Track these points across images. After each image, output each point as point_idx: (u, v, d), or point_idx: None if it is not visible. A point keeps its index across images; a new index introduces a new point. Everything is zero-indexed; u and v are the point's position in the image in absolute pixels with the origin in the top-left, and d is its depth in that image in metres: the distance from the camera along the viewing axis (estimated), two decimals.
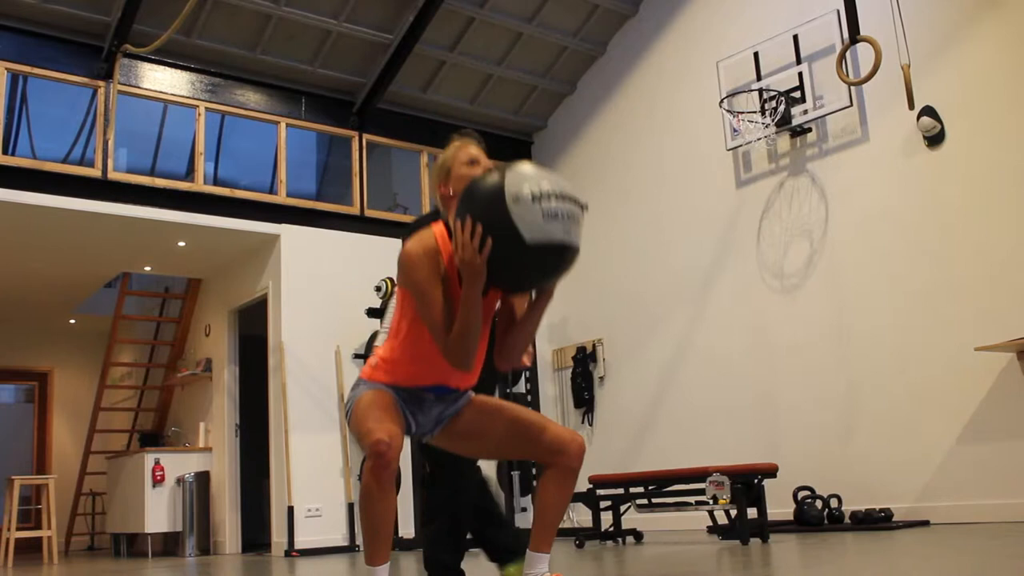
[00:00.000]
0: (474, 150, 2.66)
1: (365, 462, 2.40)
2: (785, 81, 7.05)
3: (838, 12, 6.59)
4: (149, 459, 8.38)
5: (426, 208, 8.72)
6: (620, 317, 8.34)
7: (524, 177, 2.34)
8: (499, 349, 2.62)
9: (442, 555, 3.46)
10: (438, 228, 2.56)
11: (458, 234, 2.37)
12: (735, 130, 7.20)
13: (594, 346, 8.58)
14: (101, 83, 7.10)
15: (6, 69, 6.76)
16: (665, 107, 8.18)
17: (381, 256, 7.99)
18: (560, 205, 2.32)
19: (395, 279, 2.61)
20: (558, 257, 2.36)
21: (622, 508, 6.27)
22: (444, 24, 8.02)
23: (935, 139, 6.29)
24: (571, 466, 2.58)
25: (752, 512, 5.56)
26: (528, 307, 2.60)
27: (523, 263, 2.36)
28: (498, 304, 2.65)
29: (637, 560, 4.73)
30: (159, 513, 8.29)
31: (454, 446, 2.74)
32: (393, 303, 2.64)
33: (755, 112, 7.05)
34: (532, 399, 8.23)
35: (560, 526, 2.67)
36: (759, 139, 7.05)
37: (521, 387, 8.36)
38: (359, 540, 7.47)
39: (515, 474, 8.12)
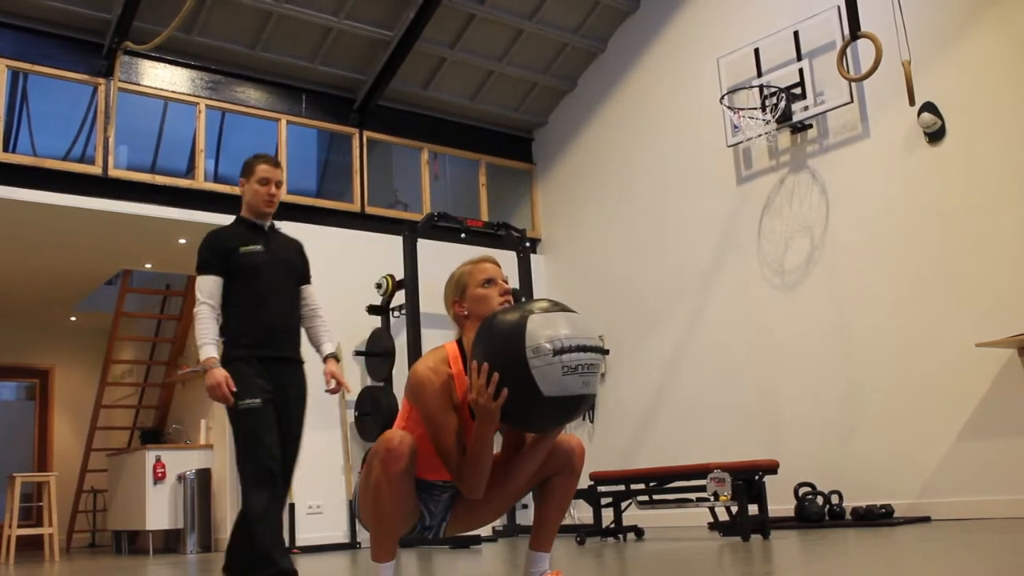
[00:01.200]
0: (491, 270, 2.62)
1: (376, 456, 2.40)
2: (786, 77, 7.04)
3: (839, 8, 6.58)
4: (150, 456, 8.38)
5: (427, 206, 8.71)
6: (621, 314, 8.34)
7: (545, 326, 2.29)
8: (495, 474, 2.57)
9: (281, 559, 3.57)
10: (451, 351, 2.55)
11: (474, 377, 2.34)
12: (736, 126, 7.20)
13: None
14: (101, 80, 7.10)
15: (6, 66, 6.76)
16: (665, 104, 8.17)
17: (382, 253, 7.98)
18: (580, 357, 2.29)
19: (404, 394, 2.60)
20: (574, 408, 2.35)
21: (623, 505, 6.27)
22: (445, 21, 8.02)
23: (936, 135, 6.28)
24: (575, 467, 2.59)
25: (753, 508, 5.56)
26: (533, 441, 2.57)
27: (537, 413, 2.35)
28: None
29: (638, 557, 4.73)
30: (160, 510, 8.29)
31: (470, 522, 2.69)
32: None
33: (756, 108, 7.05)
34: None
35: (561, 522, 2.68)
36: (760, 135, 7.04)
37: None
38: (360, 537, 7.48)
39: None
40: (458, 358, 2.52)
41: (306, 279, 4.11)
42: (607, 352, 2.29)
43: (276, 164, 4.00)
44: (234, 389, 3.64)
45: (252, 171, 3.95)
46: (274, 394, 3.77)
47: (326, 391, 3.99)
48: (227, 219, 7.50)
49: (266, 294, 3.83)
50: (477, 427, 2.39)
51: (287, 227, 7.77)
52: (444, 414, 2.44)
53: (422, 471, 2.56)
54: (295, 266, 4.04)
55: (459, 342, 2.56)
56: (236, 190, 7.63)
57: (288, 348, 3.90)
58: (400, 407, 2.66)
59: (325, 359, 4.03)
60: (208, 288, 3.76)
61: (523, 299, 2.41)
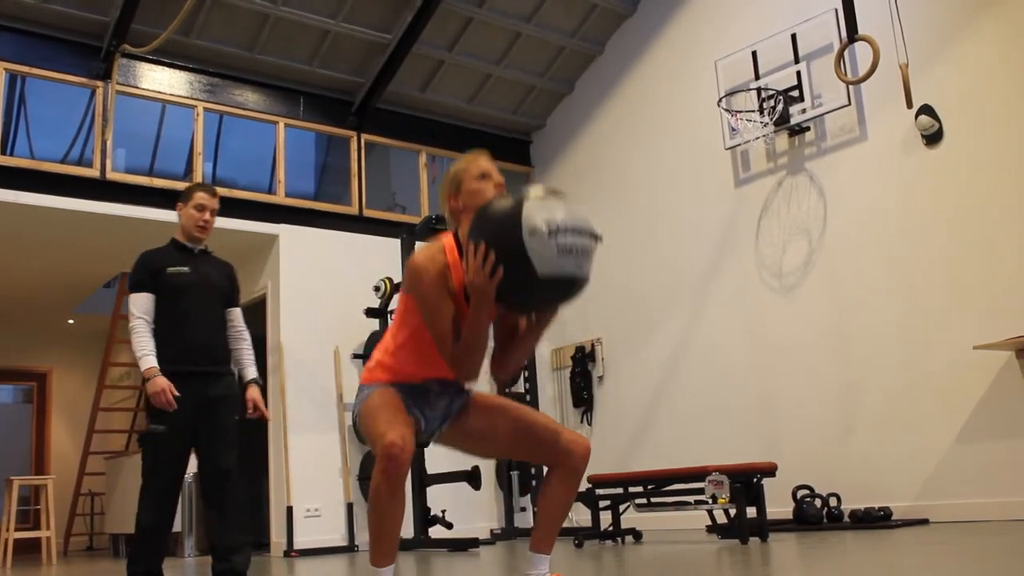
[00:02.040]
0: (485, 164, 2.65)
1: (376, 464, 2.40)
2: (783, 80, 7.05)
3: (836, 11, 6.59)
4: None
5: (425, 208, 8.72)
6: (619, 316, 8.34)
7: (540, 208, 2.33)
8: (496, 360, 2.64)
9: (156, 563, 3.97)
10: (447, 241, 2.57)
11: (470, 257, 2.38)
12: (733, 129, 7.20)
13: (593, 346, 8.58)
14: (99, 83, 7.10)
15: (4, 69, 6.76)
16: (663, 106, 8.18)
17: (380, 256, 7.98)
18: (575, 240, 2.32)
19: (402, 288, 2.62)
20: (568, 290, 2.39)
21: (621, 508, 6.27)
22: (442, 24, 8.02)
23: (933, 138, 6.29)
24: (577, 468, 2.58)
25: (751, 511, 5.56)
26: (530, 325, 2.61)
27: (532, 293, 2.38)
28: (499, 314, 2.65)
29: (636, 560, 4.73)
30: None
31: (463, 446, 2.74)
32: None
33: (753, 111, 7.06)
34: (531, 399, 8.23)
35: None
36: (757, 138, 7.05)
37: (520, 386, 8.36)
38: (358, 540, 7.47)
39: (514, 474, 8.12)
40: (454, 248, 2.55)
41: (233, 302, 4.33)
42: (601, 239, 2.32)
43: (213, 193, 4.35)
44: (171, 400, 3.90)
45: (190, 197, 4.30)
46: (193, 409, 4.00)
47: (248, 416, 4.18)
48: (225, 222, 7.63)
49: (187, 312, 4.09)
50: (472, 308, 2.42)
51: (286, 230, 7.84)
52: (440, 299, 2.48)
53: (418, 370, 2.60)
54: (222, 288, 4.28)
55: (455, 235, 2.60)
56: (234, 193, 7.69)
57: (208, 363, 4.11)
58: (396, 309, 2.70)
59: (247, 384, 4.24)
60: (142, 305, 4.09)
61: None
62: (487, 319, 2.44)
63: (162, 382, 3.89)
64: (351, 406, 7.77)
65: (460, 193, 2.62)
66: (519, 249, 2.29)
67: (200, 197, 4.27)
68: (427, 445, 2.74)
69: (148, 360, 3.94)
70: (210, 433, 4.06)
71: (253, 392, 4.22)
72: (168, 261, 4.18)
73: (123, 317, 9.95)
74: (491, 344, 2.61)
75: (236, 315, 4.33)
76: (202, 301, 4.15)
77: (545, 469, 2.65)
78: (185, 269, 4.17)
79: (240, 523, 4.09)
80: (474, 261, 2.35)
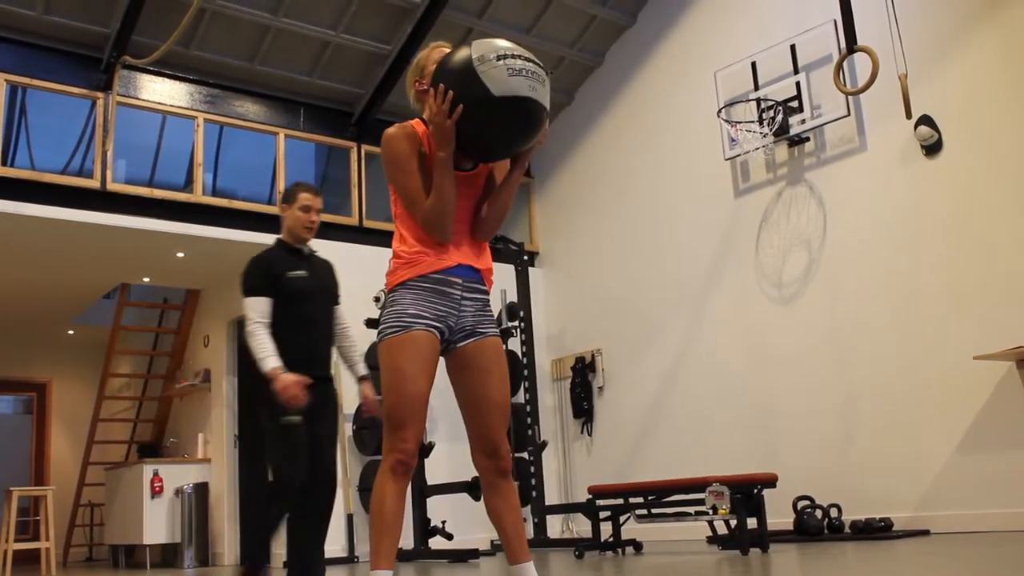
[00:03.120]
0: (448, 48, 2.76)
1: (384, 460, 2.43)
2: (783, 91, 7.07)
3: (835, 22, 6.61)
4: (147, 470, 8.36)
5: None
6: (619, 327, 8.34)
7: (489, 42, 2.51)
8: (476, 221, 2.69)
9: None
10: (415, 122, 2.68)
11: (430, 100, 2.50)
12: (733, 140, 7.22)
13: (593, 356, 8.58)
14: (100, 94, 7.11)
15: (5, 80, 6.77)
16: (663, 117, 8.19)
17: (380, 267, 7.89)
18: (524, 64, 2.46)
19: (384, 174, 2.69)
20: (526, 111, 2.46)
21: (621, 519, 6.26)
22: (442, 35, 8.04)
23: (932, 148, 6.30)
24: (504, 470, 2.64)
25: (752, 522, 5.55)
26: (504, 177, 2.69)
27: (492, 119, 2.46)
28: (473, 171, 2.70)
29: (637, 571, 4.72)
30: (157, 524, 8.27)
31: (455, 377, 2.69)
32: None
33: (753, 122, 7.07)
34: (531, 409, 8.22)
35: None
36: (757, 149, 7.07)
37: (520, 397, 8.35)
38: (358, 551, 7.45)
39: (514, 485, 8.10)
40: (421, 124, 2.66)
41: (339, 301, 4.35)
42: (551, 73, 2.43)
43: (317, 192, 4.26)
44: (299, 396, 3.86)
45: (295, 198, 4.19)
46: (310, 412, 3.95)
47: (364, 414, 4.19)
48: (225, 232, 7.62)
49: (310, 319, 4.09)
50: (435, 151, 2.50)
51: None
52: (409, 159, 2.58)
53: (434, 254, 2.61)
54: (332, 289, 4.30)
55: (422, 120, 2.69)
56: (234, 203, 7.69)
57: (324, 368, 4.13)
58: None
59: (360, 380, 4.25)
60: (260, 308, 4.00)
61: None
62: (450, 163, 2.50)
63: (291, 376, 3.83)
64: (351, 417, 7.76)
65: (424, 76, 2.72)
66: (472, 76, 2.42)
67: (305, 198, 4.20)
68: (446, 351, 2.72)
69: (271, 361, 3.88)
70: (321, 438, 4.04)
71: (367, 389, 4.21)
72: (285, 265, 4.11)
73: (123, 328, 9.95)
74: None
75: (340, 312, 4.34)
76: (321, 306, 4.17)
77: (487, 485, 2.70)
78: (303, 273, 4.13)
79: (323, 537, 4.07)
80: (434, 102, 2.46)
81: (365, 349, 7.81)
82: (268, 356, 3.89)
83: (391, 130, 2.63)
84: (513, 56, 2.46)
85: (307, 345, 4.05)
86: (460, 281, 2.63)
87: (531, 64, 2.48)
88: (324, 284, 4.22)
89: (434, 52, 2.76)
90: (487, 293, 2.72)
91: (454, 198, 2.55)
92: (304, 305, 4.07)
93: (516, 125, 2.49)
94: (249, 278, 4.08)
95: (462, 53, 2.51)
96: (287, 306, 4.03)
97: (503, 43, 2.52)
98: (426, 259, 2.61)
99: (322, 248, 7.92)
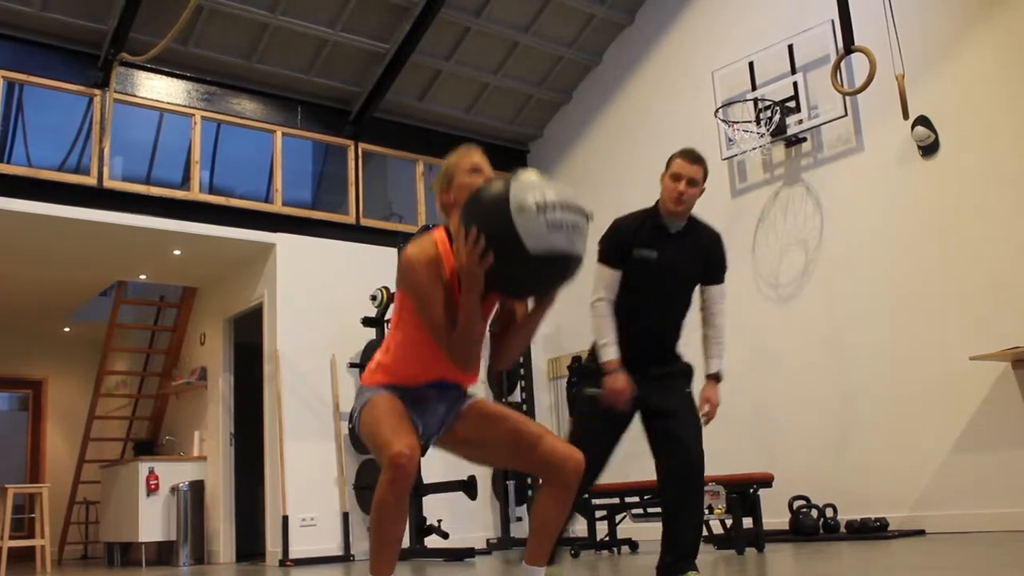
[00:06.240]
0: (477, 158, 2.65)
1: (383, 473, 2.38)
2: (780, 91, 7.07)
3: (833, 23, 6.61)
4: (143, 468, 8.36)
5: (422, 217, 8.73)
6: None
7: (529, 187, 2.34)
8: (495, 351, 2.65)
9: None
10: (438, 234, 2.59)
11: (460, 241, 2.39)
12: (730, 140, 7.22)
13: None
14: (97, 91, 7.10)
15: (2, 77, 6.76)
16: (660, 116, 8.19)
17: (377, 265, 7.98)
18: (565, 216, 2.32)
19: (396, 285, 2.64)
20: (561, 267, 2.38)
21: (617, 518, 6.26)
22: (440, 33, 8.04)
23: (929, 149, 6.31)
24: (568, 483, 2.53)
25: (748, 522, 5.55)
26: (528, 313, 2.62)
27: (525, 273, 2.37)
28: (496, 307, 2.66)
29: (632, 570, 4.72)
30: (153, 522, 8.26)
31: (460, 452, 2.72)
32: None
33: (750, 122, 7.07)
34: (528, 408, 8.22)
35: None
36: (754, 149, 7.07)
37: (517, 396, 8.35)
38: (354, 550, 7.45)
39: (510, 484, 8.11)
40: (445, 240, 2.56)
41: (714, 279, 3.68)
42: (592, 218, 2.33)
43: (694, 159, 3.55)
44: (627, 398, 3.50)
45: (669, 164, 3.57)
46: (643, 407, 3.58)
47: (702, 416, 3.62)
48: (222, 230, 7.62)
49: (639, 310, 3.58)
50: (463, 293, 2.42)
51: (283, 239, 7.83)
52: (432, 287, 2.48)
53: (417, 371, 2.59)
54: (692, 275, 3.64)
55: (446, 228, 2.61)
56: (231, 201, 7.69)
57: (658, 361, 3.63)
58: (393, 308, 2.69)
59: (707, 378, 3.67)
60: (607, 282, 3.60)
61: None
62: (479, 305, 2.44)
63: (621, 381, 3.45)
64: (347, 415, 7.76)
65: (451, 187, 2.63)
66: (508, 227, 2.29)
67: (676, 164, 3.53)
68: (425, 452, 2.72)
69: (608, 352, 3.50)
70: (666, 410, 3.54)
71: (708, 391, 3.61)
72: (638, 239, 3.54)
73: (119, 325, 9.94)
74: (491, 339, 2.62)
75: (713, 293, 3.68)
76: (659, 298, 3.57)
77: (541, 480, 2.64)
78: (652, 254, 3.52)
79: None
80: (464, 244, 2.36)
81: (363, 348, 7.84)
82: (606, 344, 3.58)
83: (413, 255, 2.49)
84: (554, 207, 2.30)
85: (634, 341, 3.63)
86: (436, 391, 2.64)
87: (571, 215, 2.34)
88: (675, 271, 3.60)
89: (463, 161, 2.64)
90: (465, 391, 2.72)
91: (481, 335, 2.50)
92: (639, 293, 3.58)
93: (549, 279, 2.41)
94: (602, 242, 3.61)
95: (499, 193, 2.34)
96: (626, 288, 3.64)
97: (544, 187, 2.34)
98: (407, 377, 2.61)
99: (320, 246, 8.00)
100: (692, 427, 3.52)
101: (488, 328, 2.66)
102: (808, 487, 6.47)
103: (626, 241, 3.56)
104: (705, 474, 3.55)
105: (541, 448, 2.54)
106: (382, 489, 2.38)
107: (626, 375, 3.48)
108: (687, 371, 3.68)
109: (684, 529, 3.44)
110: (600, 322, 3.59)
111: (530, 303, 2.62)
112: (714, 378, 3.62)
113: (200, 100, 7.66)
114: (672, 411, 3.53)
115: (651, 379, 3.55)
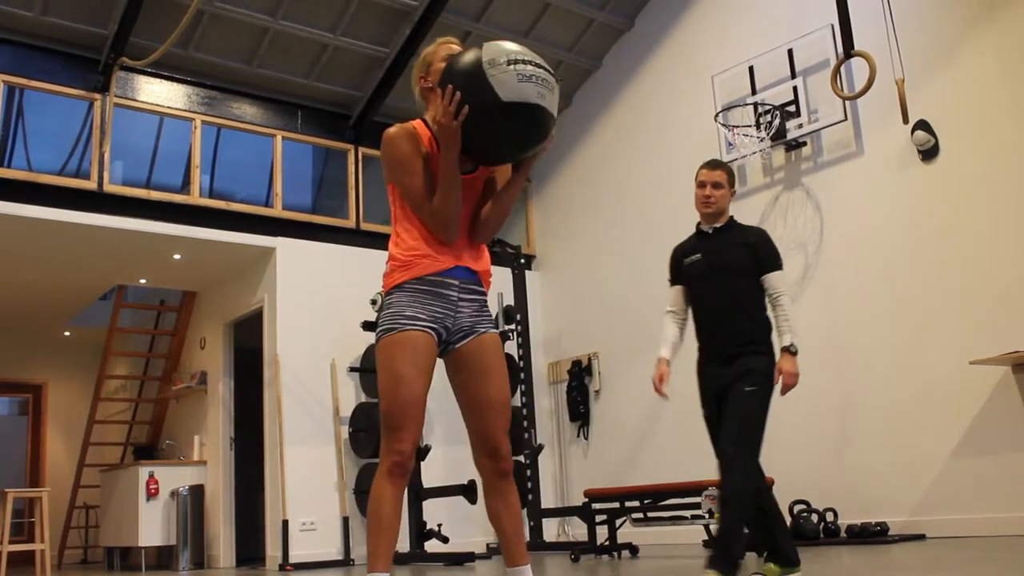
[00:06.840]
0: (454, 47, 2.75)
1: (382, 462, 2.43)
2: (780, 95, 7.08)
3: (832, 27, 6.62)
4: (143, 472, 8.35)
5: None
6: (616, 330, 8.34)
7: (500, 45, 2.49)
8: (475, 223, 2.68)
9: (734, 546, 3.56)
10: (416, 122, 2.68)
11: (437, 100, 2.50)
12: (730, 144, 7.22)
13: (590, 360, 8.58)
14: (97, 96, 7.11)
15: (3, 81, 6.76)
16: (660, 121, 8.20)
17: (377, 269, 7.87)
18: (535, 71, 2.45)
19: (384, 176, 2.70)
20: (532, 120, 2.45)
21: (617, 522, 6.26)
22: (440, 38, 8.03)
23: (929, 153, 6.31)
24: (502, 470, 2.58)
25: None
26: (507, 182, 2.68)
27: (499, 124, 2.45)
28: (476, 173, 2.69)
29: (632, 574, 4.72)
30: (153, 526, 8.26)
31: (453, 378, 2.68)
32: None
33: (750, 126, 7.08)
34: (527, 412, 8.22)
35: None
36: (754, 153, 7.07)
37: (516, 401, 8.35)
38: (354, 554, 7.45)
39: None
40: (423, 125, 2.67)
41: (764, 268, 4.08)
42: (559, 80, 2.43)
43: (714, 166, 4.19)
44: (661, 389, 4.13)
45: (696, 177, 4.24)
46: (722, 391, 3.98)
47: (782, 389, 3.97)
48: (222, 235, 7.63)
49: (700, 303, 4.14)
50: (442, 151, 2.49)
51: (283, 243, 7.84)
52: (413, 159, 2.59)
53: (431, 256, 2.61)
54: (735, 264, 4.08)
55: (424, 121, 2.70)
56: (231, 205, 7.69)
57: (727, 347, 4.03)
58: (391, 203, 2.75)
59: (782, 351, 4.00)
60: (671, 297, 4.24)
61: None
62: (457, 166, 2.49)
63: (655, 372, 4.09)
64: (347, 420, 7.76)
65: (429, 74, 2.73)
66: (482, 80, 2.40)
67: (700, 174, 4.20)
68: (441, 355, 2.71)
69: (660, 351, 4.17)
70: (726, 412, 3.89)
71: (783, 362, 3.91)
72: (686, 251, 4.21)
73: (119, 330, 9.94)
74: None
75: (770, 280, 4.07)
76: (713, 288, 4.07)
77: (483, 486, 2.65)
78: (696, 257, 4.14)
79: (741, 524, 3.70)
80: (441, 103, 2.45)
81: (362, 352, 7.84)
82: (661, 345, 4.23)
83: (392, 130, 2.63)
84: (524, 61, 2.45)
85: (704, 330, 4.17)
86: (457, 283, 2.63)
87: (541, 71, 2.46)
88: (715, 264, 4.12)
89: (441, 49, 2.76)
90: (485, 294, 2.72)
91: (461, 198, 2.54)
92: (695, 291, 4.17)
93: (522, 131, 2.48)
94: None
95: (472, 55, 2.50)
96: (689, 293, 4.24)
97: (514, 47, 2.49)
98: (422, 261, 2.61)
99: (320, 250, 8.00)
100: (730, 428, 3.84)
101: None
102: (808, 491, 6.47)
103: (676, 258, 4.24)
104: (707, 479, 3.60)
105: (494, 435, 2.58)
106: (380, 479, 2.43)
107: (662, 366, 4.16)
108: (761, 352, 3.99)
109: (720, 529, 3.65)
110: (662, 330, 4.25)
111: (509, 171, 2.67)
112: (786, 350, 3.95)
113: (200, 104, 7.67)
114: (725, 414, 3.92)
115: (723, 364, 4.00)
